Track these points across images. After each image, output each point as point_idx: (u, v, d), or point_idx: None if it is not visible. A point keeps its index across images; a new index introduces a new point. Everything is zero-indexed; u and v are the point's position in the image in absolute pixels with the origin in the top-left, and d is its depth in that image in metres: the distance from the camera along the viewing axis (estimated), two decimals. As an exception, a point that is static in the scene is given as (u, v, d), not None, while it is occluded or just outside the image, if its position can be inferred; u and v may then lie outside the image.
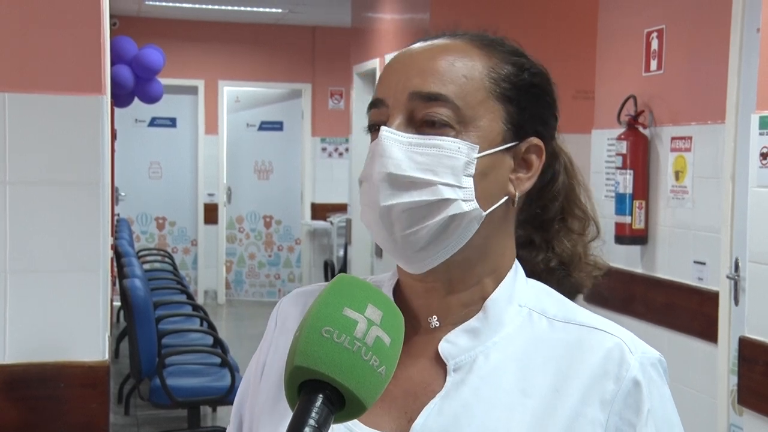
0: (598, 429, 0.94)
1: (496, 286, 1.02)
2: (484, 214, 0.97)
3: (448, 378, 0.98)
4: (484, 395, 0.96)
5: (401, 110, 0.98)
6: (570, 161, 1.11)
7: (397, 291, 1.06)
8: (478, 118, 0.97)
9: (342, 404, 0.82)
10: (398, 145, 0.96)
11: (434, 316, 1.02)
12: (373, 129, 1.01)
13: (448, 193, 0.95)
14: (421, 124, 0.97)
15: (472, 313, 1.01)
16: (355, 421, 0.97)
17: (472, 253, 0.99)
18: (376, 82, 1.04)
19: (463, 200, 0.96)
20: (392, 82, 1.00)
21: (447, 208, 0.95)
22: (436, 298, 1.02)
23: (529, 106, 1.01)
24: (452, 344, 0.99)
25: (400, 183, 0.95)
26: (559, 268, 1.09)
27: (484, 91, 0.98)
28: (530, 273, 1.07)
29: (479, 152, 0.97)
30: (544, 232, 1.09)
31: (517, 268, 1.04)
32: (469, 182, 0.96)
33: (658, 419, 0.96)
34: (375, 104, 1.01)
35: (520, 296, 1.02)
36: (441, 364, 0.99)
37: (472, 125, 0.97)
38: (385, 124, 0.99)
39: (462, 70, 0.98)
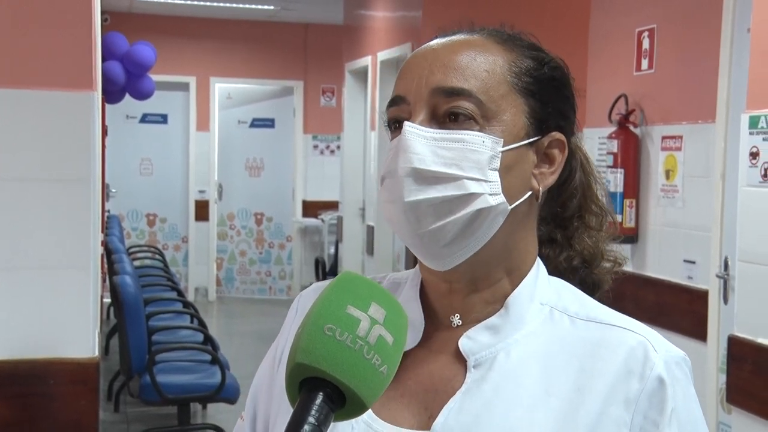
0: (623, 429, 0.93)
1: (518, 284, 1.01)
2: (510, 208, 0.96)
3: (468, 374, 0.97)
4: (506, 394, 0.95)
5: (423, 106, 0.97)
6: (586, 158, 1.10)
7: (421, 289, 1.05)
8: (502, 112, 0.97)
9: (343, 403, 0.82)
10: (422, 140, 0.95)
11: (456, 315, 1.01)
12: (394, 126, 1.00)
13: (474, 187, 0.94)
14: (444, 119, 0.96)
15: (494, 311, 1.00)
16: (375, 416, 0.97)
17: (496, 249, 0.98)
18: (396, 78, 1.02)
19: (490, 194, 0.95)
20: (413, 79, 0.98)
21: (474, 202, 0.94)
22: (459, 298, 1.01)
23: (551, 100, 1.01)
24: (473, 340, 0.98)
25: (426, 178, 0.94)
26: (581, 266, 1.08)
27: (506, 84, 0.98)
28: (553, 271, 1.06)
29: (503, 146, 0.96)
30: (564, 230, 1.08)
31: (538, 266, 1.03)
32: (495, 176, 0.95)
33: (682, 419, 0.95)
34: (395, 101, 0.99)
35: (541, 294, 1.01)
36: (462, 361, 0.98)
37: (496, 119, 0.96)
38: (406, 120, 0.97)
39: (483, 64, 0.98)
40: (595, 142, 4.86)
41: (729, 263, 3.79)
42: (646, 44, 4.49)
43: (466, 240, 0.96)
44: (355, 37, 7.22)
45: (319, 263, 9.57)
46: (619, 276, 1.11)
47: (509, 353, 0.97)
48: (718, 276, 3.85)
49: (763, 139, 3.15)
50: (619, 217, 4.47)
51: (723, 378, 3.67)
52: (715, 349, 3.86)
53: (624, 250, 4.55)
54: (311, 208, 9.85)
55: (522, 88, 0.98)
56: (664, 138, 4.34)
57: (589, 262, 1.08)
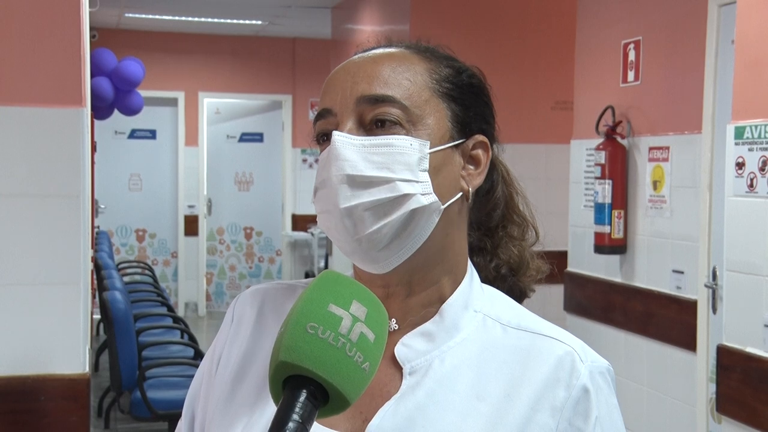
0: None
1: (454, 288, 1.04)
2: (443, 207, 1.00)
3: (403, 381, 0.99)
4: (439, 399, 0.98)
5: (350, 115, 1.00)
6: (507, 171, 1.14)
7: None
8: (426, 116, 1.00)
9: (326, 400, 0.84)
10: (352, 148, 0.98)
11: (393, 320, 1.03)
12: (322, 139, 1.03)
13: (406, 188, 0.97)
14: (371, 126, 0.99)
15: (429, 315, 1.03)
16: None
17: (432, 250, 1.01)
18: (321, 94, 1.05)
19: (422, 194, 0.98)
20: (338, 91, 1.02)
21: (407, 202, 0.97)
22: (397, 302, 1.03)
23: (472, 104, 1.05)
24: (408, 347, 1.01)
25: (359, 183, 0.97)
26: (509, 274, 1.12)
27: (428, 90, 1.02)
28: (484, 279, 1.10)
29: (430, 148, 0.99)
30: (491, 239, 1.12)
31: (472, 273, 1.07)
32: (425, 176, 0.98)
33: (605, 426, 1.00)
34: (322, 115, 1.02)
35: (475, 302, 1.05)
36: (397, 366, 1.01)
37: (421, 123, 1.00)
38: (334, 131, 1.00)
39: (405, 73, 1.02)
40: (583, 153, 4.89)
41: (717, 273, 3.82)
42: (632, 56, 4.52)
43: (403, 241, 0.99)
44: (342, 51, 7.24)
45: (309, 277, 9.54)
46: (542, 284, 1.16)
47: (444, 360, 1.00)
48: (706, 286, 3.87)
49: (749, 150, 3.18)
50: (607, 228, 4.49)
51: (713, 387, 3.69)
52: (704, 358, 3.88)
53: (613, 260, 4.58)
54: (301, 222, 9.85)
55: (443, 93, 1.03)
56: (651, 149, 4.36)
57: (515, 270, 1.12)
